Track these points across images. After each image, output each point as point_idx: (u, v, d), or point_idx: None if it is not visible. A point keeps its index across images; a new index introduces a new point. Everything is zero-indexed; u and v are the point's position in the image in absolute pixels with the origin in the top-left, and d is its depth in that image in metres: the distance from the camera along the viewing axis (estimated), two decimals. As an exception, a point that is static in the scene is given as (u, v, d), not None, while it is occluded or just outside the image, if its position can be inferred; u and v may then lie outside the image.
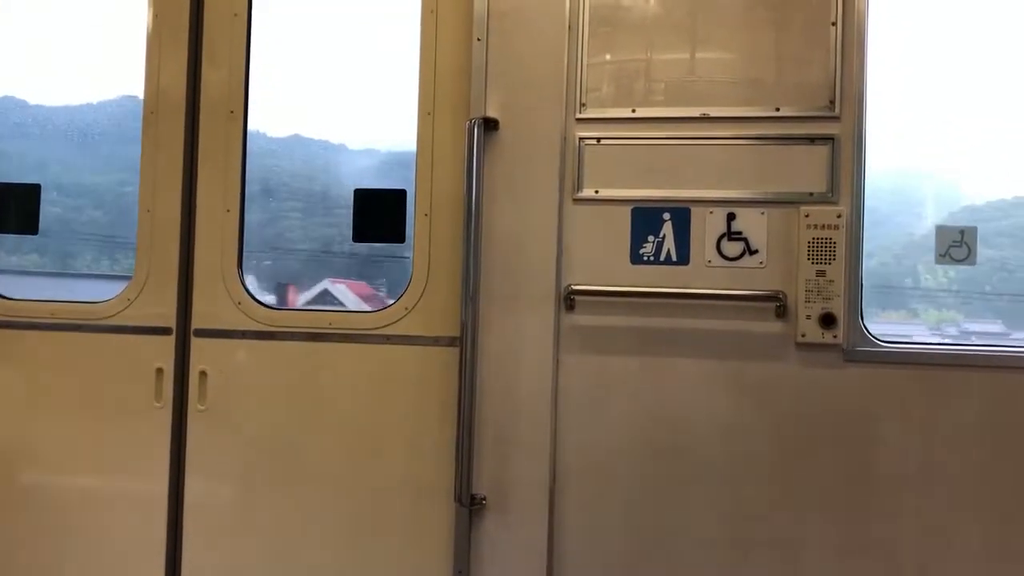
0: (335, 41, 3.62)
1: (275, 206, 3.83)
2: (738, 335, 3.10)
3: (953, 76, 3.17)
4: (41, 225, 3.81)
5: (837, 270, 3.02)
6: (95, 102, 4.01)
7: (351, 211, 3.49)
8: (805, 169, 3.06)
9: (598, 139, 3.20)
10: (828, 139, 3.05)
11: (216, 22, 3.56)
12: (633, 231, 3.17)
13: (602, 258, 3.18)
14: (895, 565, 3.02)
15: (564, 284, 3.19)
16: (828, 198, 3.05)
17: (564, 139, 3.20)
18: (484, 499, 3.21)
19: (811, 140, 3.07)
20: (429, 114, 3.37)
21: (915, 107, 3.19)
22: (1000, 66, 3.16)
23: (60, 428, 3.62)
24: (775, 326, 3.08)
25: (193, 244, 3.55)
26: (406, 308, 3.38)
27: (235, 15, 3.54)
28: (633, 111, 3.19)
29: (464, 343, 3.17)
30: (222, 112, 3.53)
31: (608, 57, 3.23)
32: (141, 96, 3.60)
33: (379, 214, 3.46)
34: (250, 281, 3.58)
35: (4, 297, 3.74)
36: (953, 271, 3.26)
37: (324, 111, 3.71)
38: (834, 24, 3.07)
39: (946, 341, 3.28)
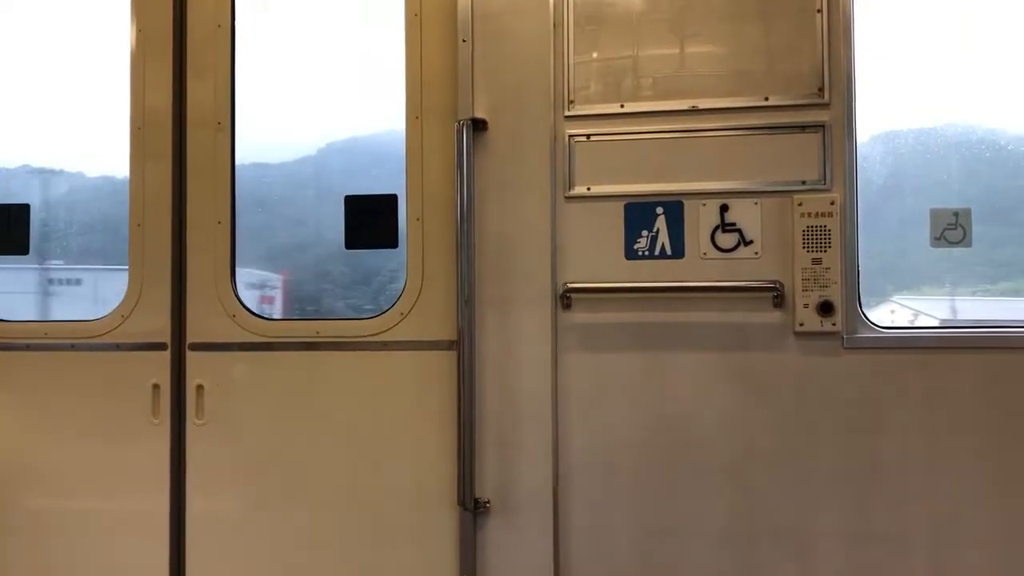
0: (320, 48, 3.60)
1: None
2: (736, 326, 3.09)
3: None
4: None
5: (833, 257, 3.01)
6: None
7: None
8: (797, 157, 3.05)
9: (588, 136, 3.19)
10: (819, 126, 3.04)
11: (200, 34, 3.55)
12: (627, 226, 3.16)
13: (597, 255, 3.17)
14: (904, 552, 3.01)
15: (560, 283, 3.18)
16: (821, 185, 3.04)
17: (554, 137, 3.19)
18: (488, 502, 3.19)
19: (802, 128, 3.06)
20: (417, 118, 3.36)
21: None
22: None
23: (58, 448, 3.59)
24: (773, 316, 3.06)
25: (185, 258, 3.53)
26: (401, 313, 3.36)
27: (219, 26, 3.53)
28: (622, 106, 3.18)
29: (462, 346, 3.16)
30: (209, 124, 3.52)
31: (595, 55, 3.22)
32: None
33: (370, 220, 3.45)
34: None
35: (-3, 319, 3.73)
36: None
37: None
38: (819, 11, 3.06)
39: (944, 325, 3.26)
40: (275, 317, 3.55)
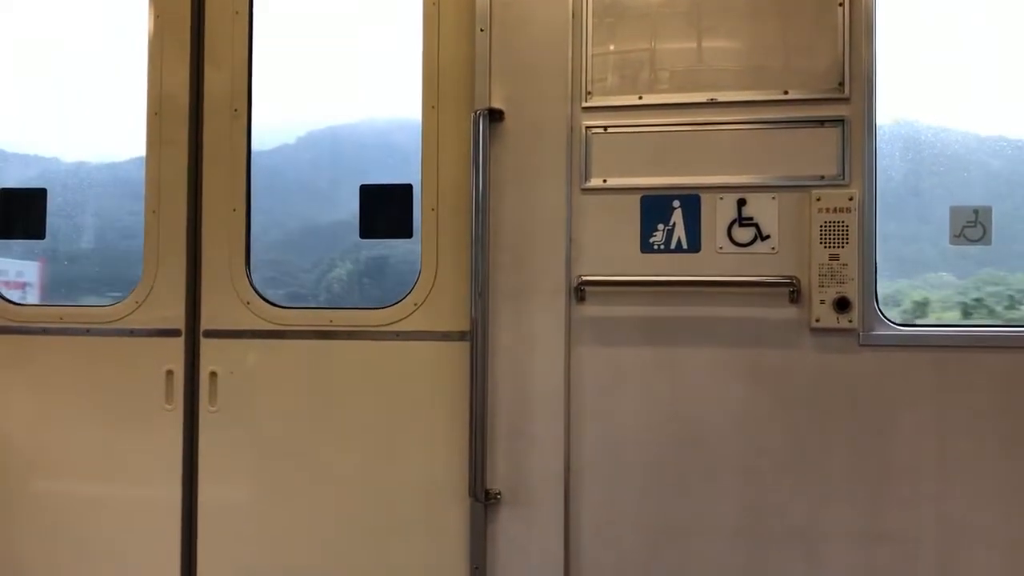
0: (337, 36, 3.59)
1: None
2: (751, 322, 3.07)
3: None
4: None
5: (850, 253, 2.98)
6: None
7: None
8: (815, 152, 3.03)
9: (605, 128, 3.17)
10: (838, 121, 3.02)
11: (217, 21, 3.55)
12: (643, 219, 3.14)
13: (612, 248, 3.15)
14: (914, 552, 2.99)
15: (574, 275, 3.16)
16: (839, 181, 3.01)
17: (570, 129, 3.17)
18: (499, 494, 3.19)
19: (821, 123, 3.03)
20: (433, 107, 3.35)
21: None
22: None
23: (71, 433, 3.61)
24: (789, 312, 3.04)
25: (200, 245, 3.54)
26: (415, 304, 3.36)
27: (236, 13, 3.53)
28: (640, 98, 3.16)
29: (475, 338, 3.15)
30: (226, 111, 3.52)
31: (613, 46, 3.20)
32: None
33: (385, 210, 3.44)
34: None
35: (13, 303, 3.74)
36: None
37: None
38: (841, 5, 3.03)
39: (962, 323, 3.23)
40: (283, 304, 3.54)
